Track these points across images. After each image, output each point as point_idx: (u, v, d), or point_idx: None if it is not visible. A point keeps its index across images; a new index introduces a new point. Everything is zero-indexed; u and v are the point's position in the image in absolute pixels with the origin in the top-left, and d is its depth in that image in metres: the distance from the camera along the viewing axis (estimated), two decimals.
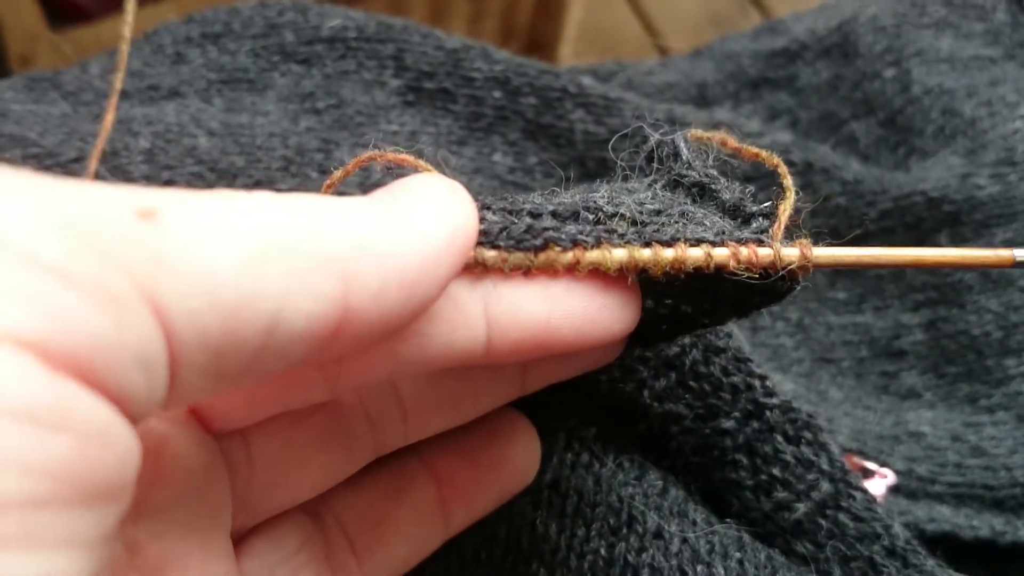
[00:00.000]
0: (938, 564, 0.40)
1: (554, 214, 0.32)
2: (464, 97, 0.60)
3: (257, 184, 0.52)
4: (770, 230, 0.33)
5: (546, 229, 0.31)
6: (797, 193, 0.34)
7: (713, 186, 0.34)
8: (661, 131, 0.36)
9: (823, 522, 0.40)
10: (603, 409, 0.41)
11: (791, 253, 0.32)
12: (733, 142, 0.36)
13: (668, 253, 0.31)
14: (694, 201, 0.35)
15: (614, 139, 0.41)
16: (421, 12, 1.33)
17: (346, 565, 0.35)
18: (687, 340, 0.40)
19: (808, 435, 0.40)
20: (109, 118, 0.51)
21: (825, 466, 0.40)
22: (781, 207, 0.33)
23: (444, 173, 0.33)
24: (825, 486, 0.40)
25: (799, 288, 0.33)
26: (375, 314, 0.26)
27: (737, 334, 0.42)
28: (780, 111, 0.66)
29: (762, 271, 0.32)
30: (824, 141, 0.64)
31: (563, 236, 0.31)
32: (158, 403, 0.23)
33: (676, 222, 0.32)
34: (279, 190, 0.52)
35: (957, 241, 0.58)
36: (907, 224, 0.59)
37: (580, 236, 0.31)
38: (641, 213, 0.32)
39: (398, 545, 0.36)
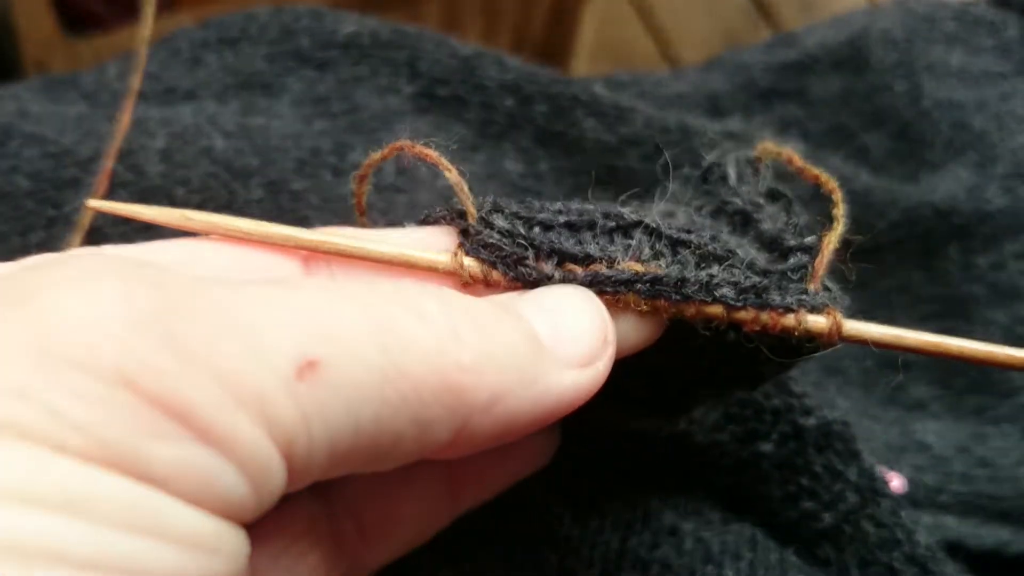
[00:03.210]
0: (959, 571, 0.40)
1: (569, 226, 0.31)
2: (476, 104, 0.61)
3: (271, 184, 0.53)
4: (810, 267, 0.32)
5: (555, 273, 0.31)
6: (847, 226, 0.34)
7: (756, 215, 0.34)
8: (722, 147, 0.36)
9: (846, 527, 0.40)
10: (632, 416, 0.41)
11: (818, 322, 0.31)
12: (799, 161, 0.36)
13: (686, 308, 0.30)
14: (735, 229, 0.34)
15: (664, 157, 0.41)
16: (434, 26, 1.34)
17: (354, 545, 0.35)
18: None
19: (839, 445, 0.40)
20: (125, 118, 0.52)
21: (853, 476, 0.40)
22: (826, 240, 0.33)
23: (464, 175, 0.33)
24: (851, 497, 0.40)
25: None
26: (489, 433, 0.28)
27: None
28: (791, 122, 0.67)
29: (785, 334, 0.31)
30: (835, 153, 0.65)
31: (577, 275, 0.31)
32: None
33: (705, 246, 0.31)
34: (292, 190, 0.53)
35: (966, 253, 0.58)
36: (916, 235, 0.59)
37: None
38: (670, 227, 0.32)
39: (405, 526, 0.36)
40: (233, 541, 0.24)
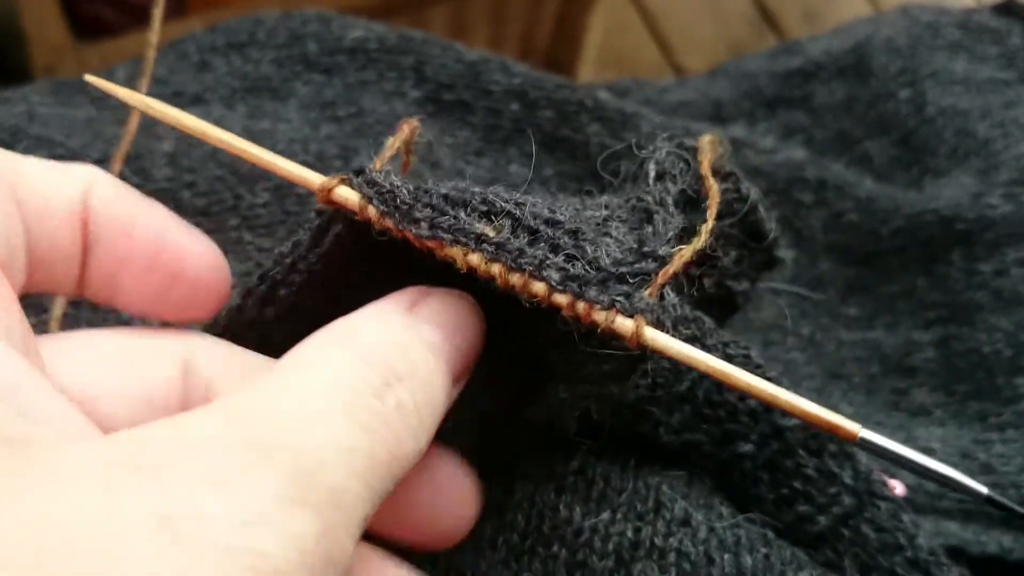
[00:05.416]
0: (962, 574, 0.40)
1: (445, 198, 0.33)
2: (482, 109, 0.61)
3: (277, 188, 0.53)
4: (654, 274, 0.33)
5: (424, 219, 0.32)
6: (712, 248, 0.35)
7: (656, 215, 0.35)
8: (665, 140, 0.37)
9: (845, 532, 0.39)
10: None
11: (624, 324, 0.32)
12: (707, 162, 0.37)
13: (514, 277, 0.32)
14: (636, 227, 0.35)
15: (603, 155, 0.42)
16: (441, 33, 1.35)
17: None
18: (696, 373, 0.40)
19: (832, 447, 0.40)
20: (133, 121, 0.52)
21: (848, 479, 0.39)
22: (678, 253, 0.34)
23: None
24: (847, 500, 0.39)
25: (641, 369, 0.34)
26: None
27: (755, 353, 0.41)
28: (795, 130, 0.67)
29: (605, 334, 0.32)
30: (838, 160, 0.65)
31: (434, 229, 0.32)
32: None
33: (556, 239, 0.33)
34: (298, 194, 0.53)
35: (969, 260, 0.58)
36: (920, 242, 0.59)
37: (440, 233, 0.32)
38: (535, 218, 0.33)
39: None
40: None
